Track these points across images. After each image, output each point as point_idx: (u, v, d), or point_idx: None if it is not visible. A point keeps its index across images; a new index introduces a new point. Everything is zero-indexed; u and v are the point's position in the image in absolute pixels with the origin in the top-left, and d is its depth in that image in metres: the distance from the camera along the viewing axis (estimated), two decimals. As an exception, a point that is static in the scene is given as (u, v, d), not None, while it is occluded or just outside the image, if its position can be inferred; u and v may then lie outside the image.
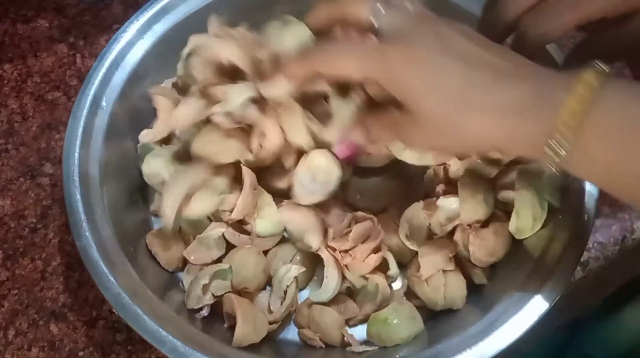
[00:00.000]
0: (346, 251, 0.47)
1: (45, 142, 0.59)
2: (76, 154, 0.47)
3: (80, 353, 0.50)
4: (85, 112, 0.49)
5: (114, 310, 0.50)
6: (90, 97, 0.50)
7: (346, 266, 0.46)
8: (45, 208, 0.56)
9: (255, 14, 0.56)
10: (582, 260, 0.44)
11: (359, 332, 0.48)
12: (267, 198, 0.49)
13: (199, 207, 0.46)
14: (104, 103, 0.50)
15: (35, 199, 0.56)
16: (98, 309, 0.51)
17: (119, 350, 0.50)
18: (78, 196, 0.46)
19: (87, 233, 0.45)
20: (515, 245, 0.48)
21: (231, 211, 0.47)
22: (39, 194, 0.56)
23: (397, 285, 0.50)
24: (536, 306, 0.42)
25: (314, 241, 0.47)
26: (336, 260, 0.47)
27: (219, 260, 0.49)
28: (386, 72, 0.36)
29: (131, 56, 0.53)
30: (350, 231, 0.47)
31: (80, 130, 0.49)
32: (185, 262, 0.50)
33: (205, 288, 0.46)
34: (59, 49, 0.64)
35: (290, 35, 0.50)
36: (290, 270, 0.47)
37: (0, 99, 0.61)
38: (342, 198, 0.51)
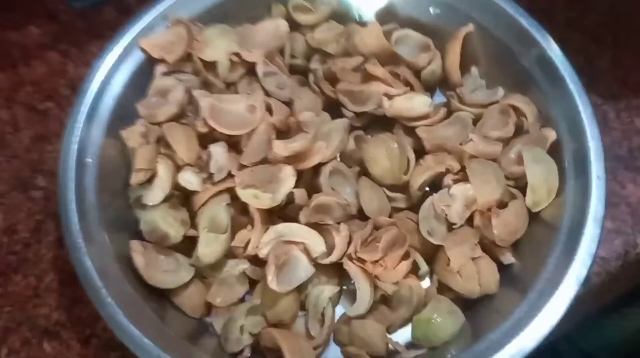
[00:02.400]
0: (376, 261, 0.45)
1: (38, 154, 0.58)
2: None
3: (74, 372, 0.49)
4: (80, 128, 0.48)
5: (107, 328, 0.50)
6: (85, 111, 0.48)
7: (376, 276, 0.45)
8: (38, 222, 0.55)
9: (248, 18, 0.55)
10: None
11: (399, 338, 0.47)
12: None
13: (210, 252, 0.45)
14: (98, 116, 0.49)
15: (28, 214, 0.55)
16: (92, 327, 0.50)
17: (113, 368, 0.49)
18: (76, 219, 0.45)
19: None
20: (534, 217, 0.47)
21: (245, 248, 0.46)
22: (32, 208, 0.55)
23: (426, 283, 0.49)
24: (572, 279, 0.42)
25: (318, 248, 0.46)
26: (364, 270, 0.45)
27: (243, 297, 0.48)
28: None
29: (125, 66, 0.51)
30: (373, 238, 0.46)
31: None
32: (209, 306, 0.48)
33: (241, 328, 0.45)
34: (50, 57, 0.63)
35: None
36: (323, 291, 0.46)
37: (-9, 109, 0.60)
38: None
